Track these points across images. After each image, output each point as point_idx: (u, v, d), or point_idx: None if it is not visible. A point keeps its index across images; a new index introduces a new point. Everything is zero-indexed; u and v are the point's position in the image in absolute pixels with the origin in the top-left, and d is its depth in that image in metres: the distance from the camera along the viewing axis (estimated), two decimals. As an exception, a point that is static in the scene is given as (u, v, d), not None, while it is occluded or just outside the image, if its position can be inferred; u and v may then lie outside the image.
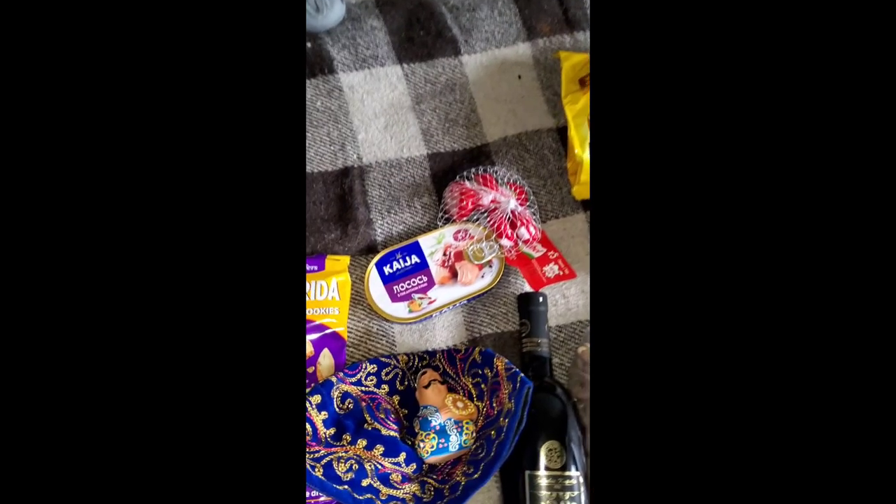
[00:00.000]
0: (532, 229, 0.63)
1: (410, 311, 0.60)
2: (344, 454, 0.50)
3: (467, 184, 0.65)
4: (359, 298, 0.61)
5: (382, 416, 0.52)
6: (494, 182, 0.65)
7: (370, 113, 0.71)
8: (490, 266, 0.62)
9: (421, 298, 0.60)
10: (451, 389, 0.55)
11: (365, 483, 0.48)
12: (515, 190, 0.65)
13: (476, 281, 0.61)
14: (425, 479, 0.50)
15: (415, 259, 0.62)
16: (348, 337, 0.59)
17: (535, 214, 0.65)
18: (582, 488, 0.48)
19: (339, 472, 0.49)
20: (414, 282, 0.61)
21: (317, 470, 0.48)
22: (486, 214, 0.64)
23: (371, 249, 0.64)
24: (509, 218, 0.63)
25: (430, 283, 0.61)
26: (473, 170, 0.66)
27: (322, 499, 0.50)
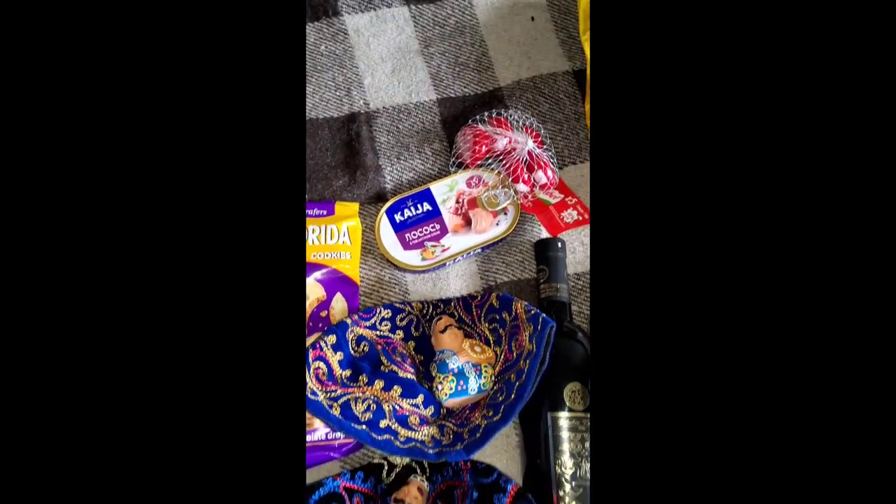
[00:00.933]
0: (550, 173, 0.62)
1: (423, 259, 0.59)
2: (361, 395, 0.49)
3: (480, 127, 0.63)
4: (369, 247, 0.60)
5: (399, 359, 0.51)
6: (509, 126, 0.63)
7: (376, 57, 0.69)
8: (505, 213, 0.61)
9: (434, 246, 0.59)
10: (467, 336, 0.54)
11: (383, 424, 0.48)
12: (531, 134, 0.63)
13: (490, 228, 0.60)
14: (443, 422, 0.49)
15: (426, 206, 0.61)
16: (361, 285, 0.58)
17: (552, 158, 0.63)
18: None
19: (356, 413, 0.48)
20: (426, 229, 0.60)
21: (334, 409, 0.48)
22: (501, 159, 0.62)
23: (380, 198, 0.63)
24: (526, 161, 0.62)
25: (443, 231, 0.60)
26: (486, 113, 0.64)
27: (338, 441, 0.49)
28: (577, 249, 0.61)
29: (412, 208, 0.61)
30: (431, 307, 0.56)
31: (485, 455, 0.50)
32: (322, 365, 0.50)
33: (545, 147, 0.64)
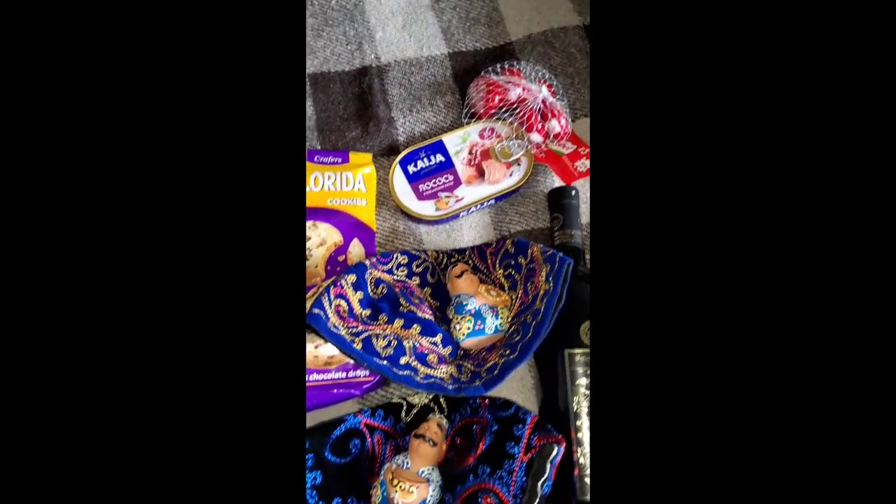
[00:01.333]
0: (563, 121, 0.62)
1: (437, 210, 0.59)
2: (381, 332, 0.50)
3: (493, 77, 0.63)
4: (383, 199, 0.61)
5: (417, 301, 0.52)
6: (522, 76, 0.64)
7: (387, 11, 0.70)
8: (518, 164, 0.61)
9: (448, 197, 0.60)
10: (482, 282, 0.55)
11: (403, 361, 0.49)
12: (543, 84, 0.64)
13: (504, 179, 0.61)
14: (461, 362, 0.50)
15: (440, 158, 0.61)
16: (376, 234, 0.59)
17: (565, 108, 0.64)
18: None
19: (377, 348, 0.49)
20: (440, 181, 0.60)
21: (356, 343, 0.49)
22: (515, 108, 0.63)
23: (393, 150, 0.64)
24: (540, 109, 0.62)
25: (457, 182, 0.60)
26: (500, 65, 0.64)
27: (358, 380, 0.50)
28: (588, 200, 0.61)
29: (425, 160, 0.61)
30: (446, 256, 0.57)
31: (500, 395, 0.51)
32: (343, 302, 0.51)
33: (558, 97, 0.64)
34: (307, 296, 0.50)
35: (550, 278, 0.49)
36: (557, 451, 0.40)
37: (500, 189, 0.60)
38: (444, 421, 0.48)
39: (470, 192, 0.60)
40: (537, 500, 0.39)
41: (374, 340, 0.49)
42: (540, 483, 0.39)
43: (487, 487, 0.40)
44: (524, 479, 0.40)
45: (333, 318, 0.50)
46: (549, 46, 0.69)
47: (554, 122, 0.62)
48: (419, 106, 0.65)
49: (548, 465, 0.40)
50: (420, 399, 0.49)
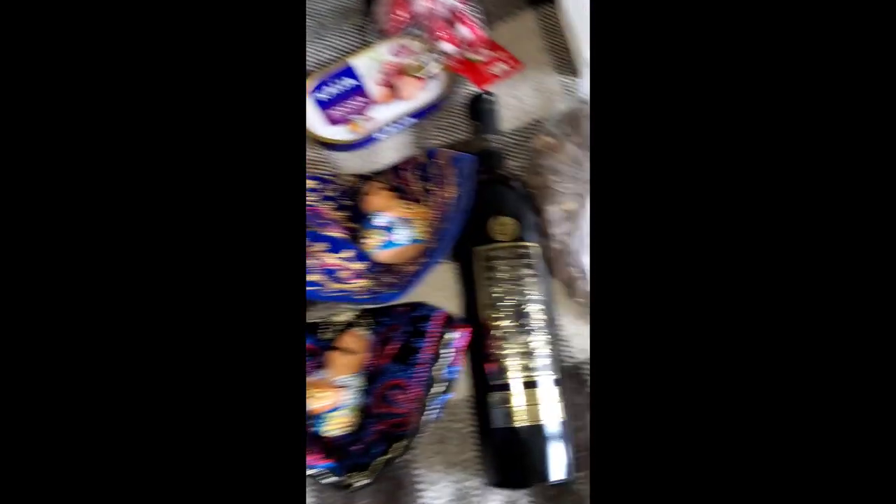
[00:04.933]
0: (475, 28, 0.63)
1: (351, 133, 0.61)
2: None
3: (397, -9, 0.64)
4: (297, 131, 0.63)
5: (324, 221, 0.54)
6: (428, -13, 0.65)
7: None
8: (433, 78, 0.63)
9: (360, 119, 0.62)
10: (400, 198, 0.57)
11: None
12: (453, -8, 0.65)
13: (418, 94, 0.62)
14: (381, 276, 0.53)
15: (350, 82, 0.63)
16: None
17: (477, 14, 0.65)
18: (541, 261, 0.51)
19: None
20: (351, 104, 0.62)
21: None
22: (425, 22, 0.64)
23: (304, 80, 0.65)
24: (449, 18, 0.63)
25: (369, 103, 0.62)
26: (404, -24, 0.65)
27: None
28: (511, 104, 0.63)
29: (335, 85, 0.63)
30: (363, 179, 0.59)
31: (421, 297, 0.53)
32: None
33: (470, 3, 0.65)
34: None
35: (456, 180, 0.51)
36: (454, 336, 0.43)
37: (415, 105, 0.62)
38: (368, 333, 0.50)
39: (383, 112, 0.62)
40: (438, 383, 0.41)
41: None
42: (437, 368, 0.42)
43: (396, 383, 0.43)
44: (430, 369, 0.43)
45: None
46: (459, -47, 0.69)
47: (465, 30, 0.63)
48: (323, 31, 0.66)
49: (443, 350, 0.42)
50: (345, 317, 0.52)
